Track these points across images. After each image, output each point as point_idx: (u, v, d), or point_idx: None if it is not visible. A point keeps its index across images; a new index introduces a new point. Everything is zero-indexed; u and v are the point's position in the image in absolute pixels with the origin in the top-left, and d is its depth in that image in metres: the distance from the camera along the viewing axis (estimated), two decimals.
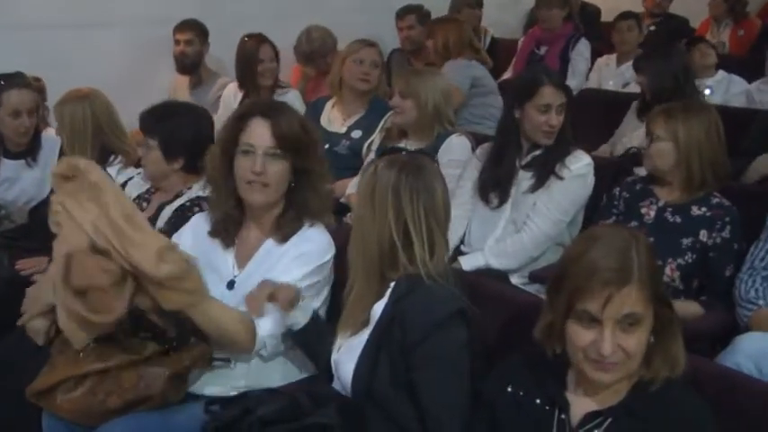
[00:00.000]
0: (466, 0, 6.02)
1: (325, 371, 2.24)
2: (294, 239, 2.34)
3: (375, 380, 2.02)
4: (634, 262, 1.66)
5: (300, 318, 2.19)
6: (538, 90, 3.09)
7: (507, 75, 5.87)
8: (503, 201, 3.20)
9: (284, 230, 2.35)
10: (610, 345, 1.63)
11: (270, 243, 2.37)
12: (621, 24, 5.48)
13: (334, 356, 2.18)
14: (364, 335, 2.10)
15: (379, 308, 2.09)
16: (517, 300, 2.24)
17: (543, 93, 3.08)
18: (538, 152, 3.18)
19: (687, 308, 2.71)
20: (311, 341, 2.24)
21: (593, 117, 4.66)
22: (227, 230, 2.40)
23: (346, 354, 2.13)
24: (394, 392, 2.01)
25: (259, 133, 2.29)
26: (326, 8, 5.57)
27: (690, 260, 2.81)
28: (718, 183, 2.89)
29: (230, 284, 2.38)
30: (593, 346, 1.66)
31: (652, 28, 6.45)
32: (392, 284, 2.07)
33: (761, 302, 2.65)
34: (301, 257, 2.31)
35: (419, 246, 2.05)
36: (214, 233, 2.42)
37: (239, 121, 2.32)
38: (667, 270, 2.80)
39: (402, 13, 5.63)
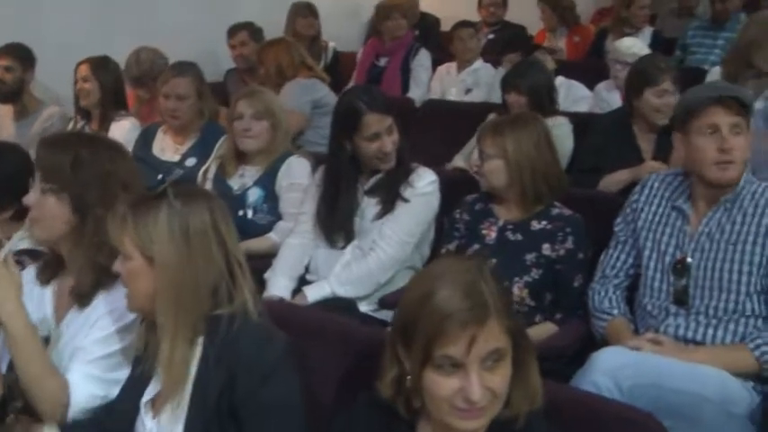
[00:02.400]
0: (299, 12, 5.85)
1: None
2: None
3: None
4: (486, 294, 1.51)
5: None
6: (360, 120, 2.92)
7: None
8: (348, 240, 3.04)
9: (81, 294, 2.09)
10: (479, 389, 1.47)
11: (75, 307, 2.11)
12: (463, 32, 5.44)
13: None
14: (175, 405, 1.81)
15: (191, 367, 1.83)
16: (360, 336, 2.06)
17: (367, 122, 2.92)
18: (381, 175, 3.02)
19: (541, 332, 2.64)
20: None
21: (438, 128, 4.61)
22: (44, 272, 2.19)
23: None
24: None
25: None
26: (155, 28, 5.27)
27: (537, 276, 2.73)
28: (554, 194, 2.83)
29: (46, 341, 2.11)
30: (459, 393, 1.49)
31: (491, 36, 6.49)
32: (201, 339, 1.82)
33: (615, 312, 2.60)
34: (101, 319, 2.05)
35: (243, 276, 1.86)
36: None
37: None
38: (515, 289, 2.71)
39: (233, 30, 5.41)
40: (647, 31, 5.82)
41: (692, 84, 3.99)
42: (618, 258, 2.67)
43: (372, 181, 3.04)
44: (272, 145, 3.49)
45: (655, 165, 3.27)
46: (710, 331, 2.39)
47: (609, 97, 4.73)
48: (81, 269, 2.06)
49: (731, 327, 2.38)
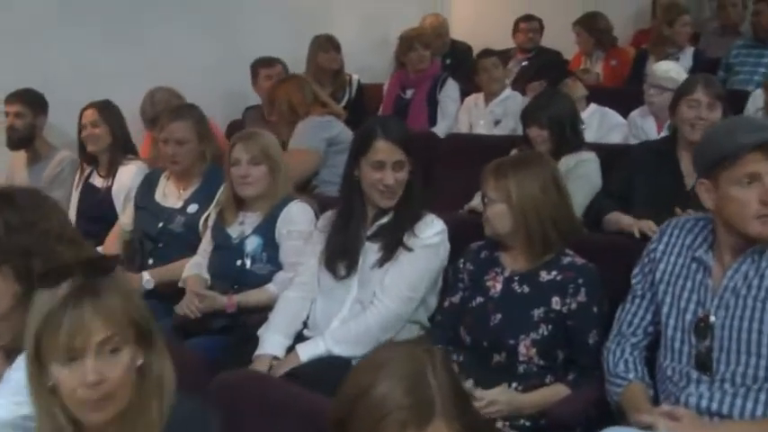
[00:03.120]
0: (321, 46, 5.64)
1: None
2: None
3: None
4: (434, 390, 1.30)
5: None
6: (371, 144, 2.74)
7: None
8: (351, 270, 2.82)
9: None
10: None
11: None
12: (486, 62, 5.17)
13: None
14: None
15: None
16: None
17: (376, 147, 2.73)
18: (384, 220, 2.81)
19: (548, 395, 2.39)
20: None
21: (461, 163, 4.35)
22: None
23: None
24: None
25: None
26: (175, 68, 5.12)
27: (546, 333, 2.46)
28: (565, 240, 2.56)
29: None
30: None
31: (525, 63, 6.24)
32: None
33: (631, 376, 2.31)
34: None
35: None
36: None
37: None
38: (522, 348, 2.45)
39: (268, 63, 5.25)
40: (689, 51, 5.52)
41: (734, 108, 3.72)
42: (635, 314, 2.38)
43: (375, 227, 2.83)
44: (273, 189, 3.29)
45: (652, 226, 2.96)
46: (738, 402, 2.09)
47: (644, 124, 4.43)
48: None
49: (762, 397, 2.07)
